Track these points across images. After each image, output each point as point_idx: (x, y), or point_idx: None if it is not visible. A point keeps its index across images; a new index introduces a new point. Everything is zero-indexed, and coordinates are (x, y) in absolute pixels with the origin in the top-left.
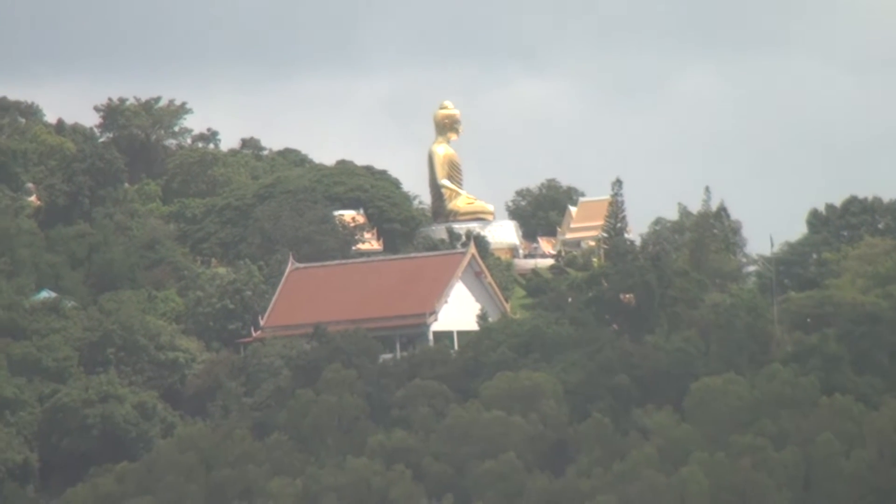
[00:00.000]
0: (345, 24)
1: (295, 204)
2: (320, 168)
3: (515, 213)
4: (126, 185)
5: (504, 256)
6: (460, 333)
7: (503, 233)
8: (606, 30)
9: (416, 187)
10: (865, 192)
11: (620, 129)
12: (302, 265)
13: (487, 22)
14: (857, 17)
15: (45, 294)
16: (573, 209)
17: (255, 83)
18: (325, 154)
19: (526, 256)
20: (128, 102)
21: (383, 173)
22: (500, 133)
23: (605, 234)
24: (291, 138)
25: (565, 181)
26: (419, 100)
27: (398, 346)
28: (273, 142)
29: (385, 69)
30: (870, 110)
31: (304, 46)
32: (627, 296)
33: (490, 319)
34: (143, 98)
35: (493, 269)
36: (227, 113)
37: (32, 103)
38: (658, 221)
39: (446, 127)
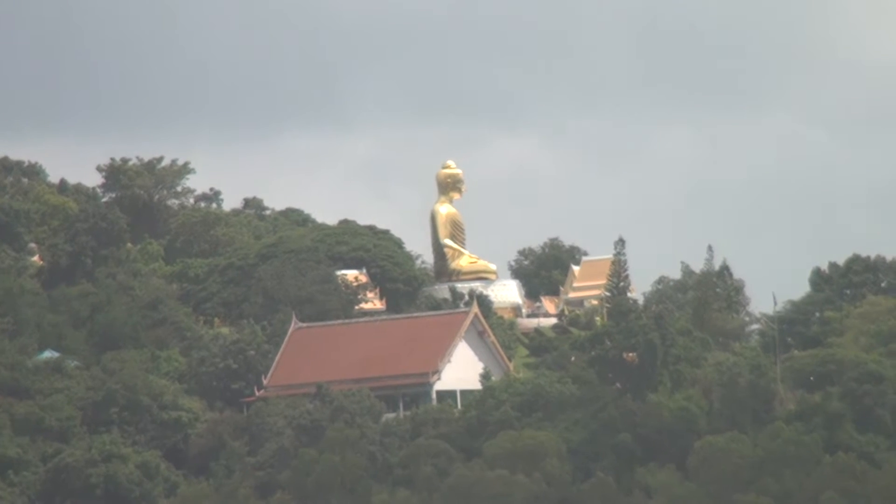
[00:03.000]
0: (328, 85)
1: (297, 263)
2: (323, 228)
3: (518, 272)
4: (128, 245)
5: (507, 316)
6: (463, 392)
7: (506, 292)
8: (584, 90)
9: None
10: (857, 250)
11: (602, 188)
12: (305, 325)
13: (467, 82)
14: (830, 77)
15: (48, 354)
16: (576, 268)
17: (248, 142)
18: (320, 212)
19: (529, 315)
20: (130, 163)
21: (386, 233)
22: (483, 192)
23: (607, 293)
24: (271, 195)
25: (560, 239)
26: (401, 159)
27: (401, 405)
28: (271, 200)
29: (368, 128)
30: (848, 168)
31: (290, 106)
32: (630, 355)
33: (493, 378)
34: (146, 158)
35: (495, 329)
36: (224, 172)
37: (35, 163)
38: (661, 280)
39: (449, 186)
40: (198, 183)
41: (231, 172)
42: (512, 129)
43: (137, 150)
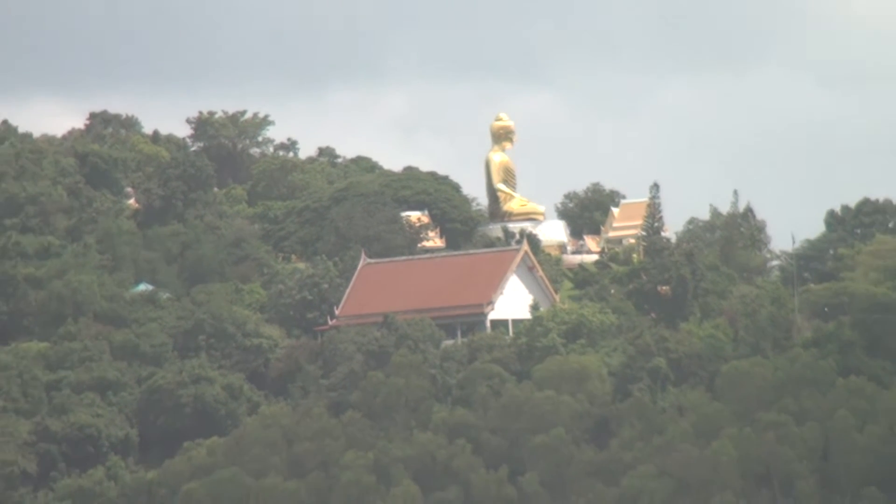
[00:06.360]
0: (369, 44)
1: (366, 206)
2: (389, 174)
3: (564, 213)
4: (215, 189)
5: (553, 253)
6: (515, 321)
7: (553, 231)
8: (598, 49)
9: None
10: (864, 193)
11: (615, 138)
12: (373, 261)
13: (490, 41)
14: (823, 33)
15: (143, 287)
16: (615, 210)
17: (296, 94)
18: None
19: (573, 253)
20: (216, 115)
21: (445, 178)
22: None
23: (644, 233)
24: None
25: (601, 184)
26: (434, 111)
27: (459, 333)
28: (345, 150)
29: (403, 83)
30: (844, 118)
31: (335, 62)
32: (664, 288)
33: (541, 309)
34: (231, 111)
35: (543, 264)
36: (299, 123)
37: (132, 116)
38: (691, 221)
39: (501, 136)
40: (276, 133)
41: (298, 124)
42: (533, 84)
43: (230, 105)
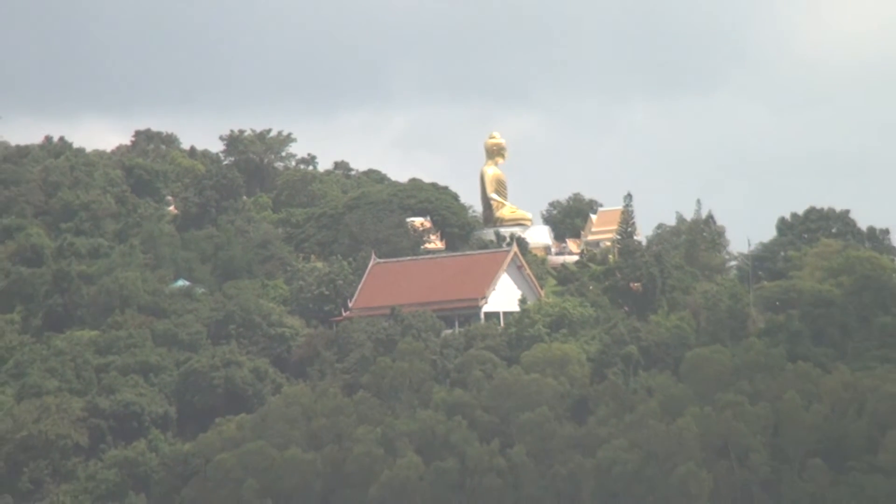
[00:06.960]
0: (373, 71)
1: (376, 213)
2: (396, 185)
3: (548, 219)
4: (244, 198)
5: (539, 254)
6: (505, 314)
7: (539, 235)
8: (572, 78)
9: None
10: (811, 203)
11: (587, 155)
12: (381, 260)
13: (483, 70)
14: (771, 65)
15: (181, 283)
16: (593, 217)
17: (310, 116)
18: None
19: (557, 254)
20: (246, 133)
21: (445, 189)
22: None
23: (618, 237)
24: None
25: (581, 194)
26: (432, 130)
27: (457, 323)
28: (358, 164)
29: (405, 107)
30: (787, 140)
31: (347, 88)
32: (636, 285)
33: (528, 303)
34: (258, 130)
35: (531, 264)
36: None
37: (172, 134)
38: (660, 226)
39: (494, 152)
40: (297, 149)
41: (316, 141)
42: (522, 107)
43: (257, 124)
